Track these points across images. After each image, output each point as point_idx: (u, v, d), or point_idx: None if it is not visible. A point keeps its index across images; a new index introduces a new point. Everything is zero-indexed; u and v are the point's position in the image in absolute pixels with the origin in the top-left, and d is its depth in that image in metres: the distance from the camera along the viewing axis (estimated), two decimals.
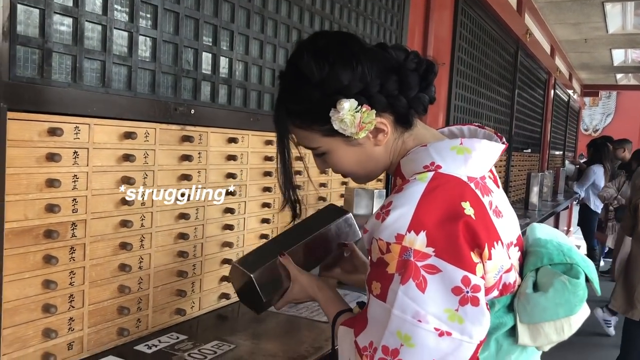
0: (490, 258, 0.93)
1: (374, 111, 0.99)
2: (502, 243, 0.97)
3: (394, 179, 1.08)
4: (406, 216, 0.91)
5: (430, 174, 0.96)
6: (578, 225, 7.70)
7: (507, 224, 1.03)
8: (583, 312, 1.03)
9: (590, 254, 6.99)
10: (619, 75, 10.26)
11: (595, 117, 15.70)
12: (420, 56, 1.03)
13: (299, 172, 2.05)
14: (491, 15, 4.24)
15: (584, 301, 1.02)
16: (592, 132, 15.38)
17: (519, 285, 1.03)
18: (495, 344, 1.00)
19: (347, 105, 0.96)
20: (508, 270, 0.99)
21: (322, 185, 2.24)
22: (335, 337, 1.09)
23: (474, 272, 0.90)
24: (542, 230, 1.14)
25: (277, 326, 1.63)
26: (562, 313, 0.99)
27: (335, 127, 0.98)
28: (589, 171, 7.08)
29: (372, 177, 1.11)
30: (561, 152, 9.02)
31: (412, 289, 0.88)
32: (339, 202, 2.37)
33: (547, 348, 1.05)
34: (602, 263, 7.36)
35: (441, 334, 0.88)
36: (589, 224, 7.09)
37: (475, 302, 0.89)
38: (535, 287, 1.02)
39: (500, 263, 0.96)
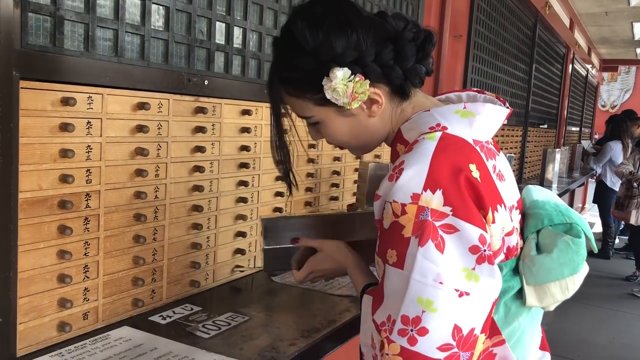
0: (494, 221, 0.93)
1: (367, 81, 0.97)
2: (505, 206, 0.97)
3: (393, 146, 1.06)
4: (421, 174, 0.88)
5: (439, 134, 0.95)
6: (593, 202, 7.62)
7: (509, 187, 1.04)
8: (585, 270, 1.04)
9: (606, 232, 6.94)
10: (639, 50, 10.03)
11: (613, 93, 15.44)
12: (420, 26, 1.01)
13: (313, 146, 2.03)
14: None
15: (585, 259, 1.03)
16: (610, 108, 15.15)
17: (521, 248, 1.04)
18: (505, 307, 1.01)
19: (340, 75, 0.94)
20: (510, 233, 0.99)
21: (336, 159, 2.22)
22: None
23: (486, 231, 0.90)
24: (538, 192, 1.14)
25: (290, 299, 1.63)
26: (567, 272, 1.00)
27: (328, 96, 0.97)
28: (605, 147, 6.98)
29: (367, 149, 1.10)
30: (578, 129, 8.90)
31: (431, 250, 0.86)
32: (354, 176, 2.35)
33: (552, 307, 1.06)
34: (617, 240, 7.30)
35: (461, 295, 0.86)
36: (605, 201, 7.01)
37: (490, 260, 0.89)
38: (538, 248, 1.04)
39: (501, 226, 0.96)
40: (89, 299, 1.27)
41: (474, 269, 0.87)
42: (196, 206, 1.53)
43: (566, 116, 7.48)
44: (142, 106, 1.32)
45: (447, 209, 0.87)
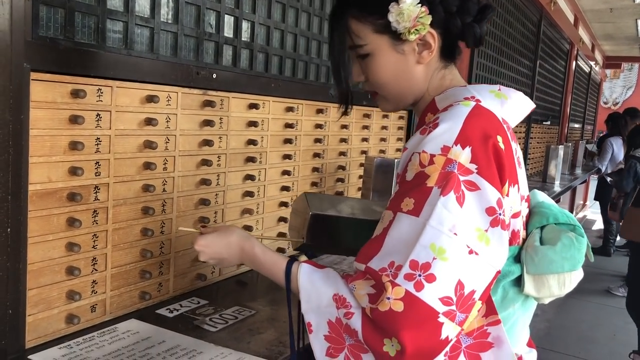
0: (507, 195, 0.94)
1: (430, 17, 0.99)
2: (518, 188, 0.99)
3: (422, 116, 1.07)
4: (454, 129, 0.91)
5: (473, 103, 0.97)
6: (595, 199, 7.62)
7: (523, 177, 1.06)
8: (581, 272, 1.06)
9: (607, 229, 6.93)
10: None
11: (616, 90, 15.40)
12: None
13: (319, 140, 2.03)
14: None
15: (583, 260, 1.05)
16: (612, 105, 15.11)
17: (524, 240, 1.06)
18: (502, 290, 1.02)
19: (409, 1, 0.97)
20: (516, 215, 1.01)
21: (342, 154, 2.22)
22: (293, 283, 1.00)
23: (503, 197, 0.91)
24: (543, 197, 1.17)
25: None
26: (567, 267, 1.02)
27: (391, 19, 0.98)
28: (606, 144, 6.98)
29: (400, 102, 1.09)
30: (580, 125, 8.88)
31: (451, 201, 0.87)
32: (359, 172, 2.35)
33: (547, 301, 1.08)
34: (618, 237, 7.31)
35: (470, 252, 0.87)
36: (607, 198, 6.99)
37: (503, 225, 0.91)
38: (542, 242, 1.05)
39: (511, 204, 0.97)
40: (97, 292, 1.27)
41: (486, 230, 0.89)
42: (203, 200, 1.53)
43: (569, 113, 7.47)
44: (151, 99, 1.32)
45: (473, 167, 0.89)
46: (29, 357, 1.10)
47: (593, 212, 9.42)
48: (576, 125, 8.45)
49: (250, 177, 1.70)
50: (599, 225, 7.65)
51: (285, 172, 1.88)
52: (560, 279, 1.03)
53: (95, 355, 1.14)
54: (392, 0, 0.97)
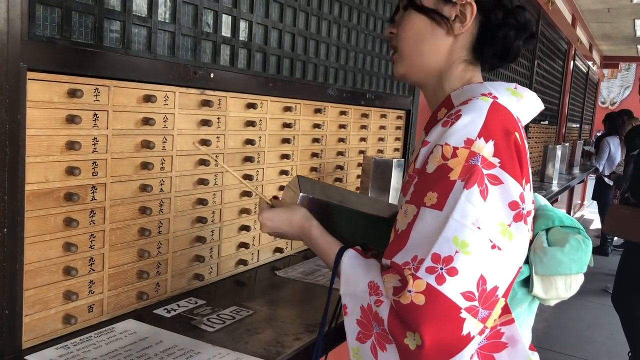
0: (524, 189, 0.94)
1: None
2: (530, 187, 0.99)
3: (437, 110, 1.07)
4: (476, 122, 0.91)
5: (491, 99, 0.97)
6: (593, 199, 7.63)
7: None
8: (583, 276, 1.06)
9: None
10: None
11: (613, 90, 15.42)
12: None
13: (317, 140, 2.03)
14: None
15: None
16: (610, 104, 15.13)
17: (531, 241, 1.05)
18: (512, 290, 1.01)
19: None
20: (528, 214, 1.00)
21: (340, 153, 2.21)
22: (337, 269, 1.03)
23: (525, 191, 0.91)
24: (544, 200, 1.18)
25: (293, 293, 1.63)
26: (575, 269, 1.02)
27: None
28: (603, 144, 6.99)
29: (413, 65, 1.08)
30: (578, 125, 8.89)
31: (475, 194, 0.87)
32: (357, 171, 2.35)
33: (553, 303, 1.08)
34: (615, 237, 7.32)
35: (493, 247, 0.87)
36: (604, 198, 7.02)
37: (525, 219, 0.90)
38: (548, 244, 1.06)
39: (527, 201, 0.97)
40: (94, 292, 1.27)
41: (509, 225, 0.88)
42: (201, 199, 1.53)
43: (567, 113, 7.48)
44: (148, 99, 1.31)
45: (496, 160, 0.89)
46: (26, 357, 1.10)
47: (591, 211, 9.44)
48: (574, 125, 8.46)
49: (248, 177, 1.70)
50: (596, 225, 7.66)
51: (283, 172, 1.88)
52: (567, 281, 1.03)
53: (92, 355, 1.13)
54: None
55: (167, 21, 1.37)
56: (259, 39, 1.69)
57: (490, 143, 0.89)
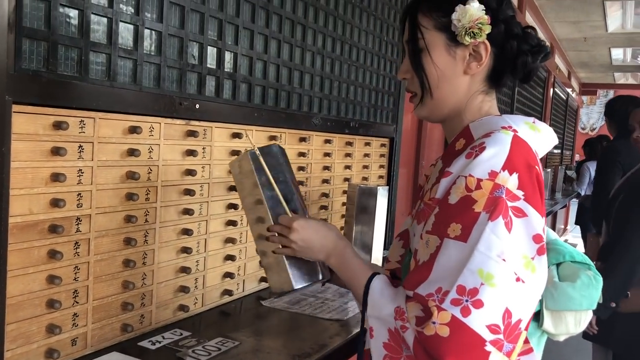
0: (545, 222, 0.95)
1: (489, 27, 1.01)
2: (545, 220, 1.00)
3: (454, 140, 1.07)
4: (501, 155, 0.92)
5: (512, 133, 0.98)
6: (576, 223, 7.70)
7: None
8: (592, 312, 1.06)
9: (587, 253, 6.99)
10: (617, 74, 10.27)
11: (593, 116, 15.73)
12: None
13: (302, 168, 2.04)
14: None
15: None
16: (590, 130, 15.41)
17: None
18: None
19: (476, 5, 1.00)
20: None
21: (325, 181, 2.23)
22: (365, 296, 1.01)
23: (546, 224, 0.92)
24: (554, 234, 1.19)
25: (279, 323, 1.62)
26: (585, 305, 1.02)
27: (454, 17, 1.00)
28: (583, 169, 7.09)
29: (436, 108, 1.08)
30: (560, 151, 9.03)
31: (500, 226, 0.87)
32: (342, 199, 2.36)
33: (562, 338, 1.07)
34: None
35: (517, 280, 0.86)
36: (587, 223, 7.08)
37: (547, 254, 0.91)
38: (559, 279, 1.06)
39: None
40: (77, 325, 1.25)
41: (533, 258, 0.88)
42: (186, 229, 1.53)
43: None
44: (133, 130, 1.32)
45: (520, 193, 0.90)
46: None
47: (574, 236, 9.52)
48: (555, 151, 8.59)
49: (233, 206, 1.70)
50: (580, 249, 7.70)
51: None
52: (577, 317, 1.04)
53: None
54: (460, 2, 1.01)
55: (152, 53, 1.38)
56: (244, 70, 1.71)
57: (515, 176, 0.90)
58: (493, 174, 0.90)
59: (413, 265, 0.97)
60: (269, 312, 1.68)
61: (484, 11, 1.00)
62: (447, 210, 0.92)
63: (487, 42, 1.02)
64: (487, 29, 1.01)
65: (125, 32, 1.31)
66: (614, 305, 2.34)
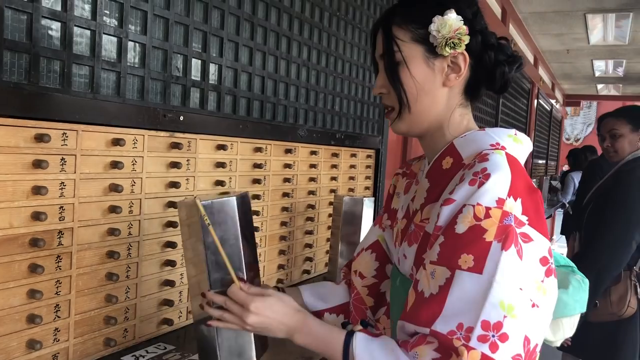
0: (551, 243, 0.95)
1: (468, 38, 1.00)
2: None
3: (438, 159, 1.06)
4: (505, 181, 0.90)
5: (503, 152, 0.97)
6: (561, 233, 7.76)
7: None
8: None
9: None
10: (599, 86, 10.42)
11: (577, 127, 15.92)
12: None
13: (288, 180, 2.04)
14: None
15: None
16: (574, 141, 15.59)
17: None
18: None
19: (454, 16, 0.99)
20: None
21: (311, 193, 2.23)
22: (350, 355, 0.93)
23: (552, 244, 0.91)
24: None
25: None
26: (579, 309, 1.03)
27: (433, 28, 0.99)
28: (567, 179, 7.16)
29: (414, 122, 1.06)
30: (544, 161, 9.11)
31: (513, 255, 0.85)
32: (328, 210, 2.36)
33: (559, 344, 1.07)
34: None
35: (533, 305, 0.86)
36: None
37: (555, 273, 0.90)
38: None
39: None
40: (59, 340, 1.24)
41: (542, 281, 0.88)
42: (170, 242, 1.51)
43: (533, 149, 7.66)
44: (117, 142, 1.31)
45: (524, 218, 0.89)
46: None
47: (560, 246, 9.58)
48: (540, 161, 8.67)
49: None
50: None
51: (255, 212, 1.88)
52: (572, 321, 1.05)
53: None
54: (437, 13, 1.00)
55: (136, 65, 1.38)
56: (228, 82, 1.71)
57: (519, 201, 0.89)
58: (501, 202, 0.88)
59: (413, 296, 0.92)
60: None
61: (462, 21, 1.00)
62: (455, 240, 0.89)
63: (465, 53, 1.02)
64: (467, 40, 1.00)
65: (108, 45, 1.30)
66: (583, 314, 2.35)
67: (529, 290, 0.86)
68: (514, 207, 0.88)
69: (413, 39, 1.02)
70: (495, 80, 1.04)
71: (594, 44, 6.56)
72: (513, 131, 1.05)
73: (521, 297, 0.85)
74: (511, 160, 0.95)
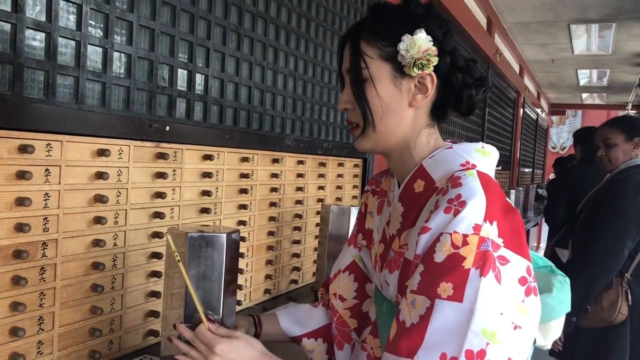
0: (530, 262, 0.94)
1: (437, 59, 0.98)
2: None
3: (410, 182, 1.04)
4: (481, 206, 0.89)
5: (475, 171, 0.96)
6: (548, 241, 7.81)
7: None
8: None
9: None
10: (584, 95, 10.55)
11: (562, 135, 16.08)
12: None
13: (275, 189, 2.04)
14: (462, 36, 4.33)
15: None
16: (560, 149, 15.74)
17: None
18: None
19: (424, 36, 0.97)
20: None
21: (298, 202, 2.23)
22: None
23: (531, 262, 0.90)
24: None
25: None
26: (564, 309, 1.04)
27: (402, 47, 0.97)
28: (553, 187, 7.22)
29: (379, 141, 1.04)
30: (531, 170, 9.19)
31: (492, 281, 0.85)
32: (316, 219, 2.36)
33: (549, 346, 1.08)
34: None
35: (515, 327, 0.85)
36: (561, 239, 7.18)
37: (535, 292, 0.89)
38: None
39: None
40: (43, 352, 1.22)
41: (523, 301, 0.87)
42: (156, 253, 1.51)
43: (519, 158, 7.73)
44: (102, 153, 1.31)
45: (500, 240, 0.88)
46: None
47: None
48: (526, 170, 8.74)
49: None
50: None
51: (241, 222, 1.88)
52: (559, 323, 1.05)
53: None
54: (406, 31, 0.98)
55: (122, 76, 1.38)
56: (215, 92, 1.71)
57: (495, 224, 0.88)
58: (477, 228, 0.87)
59: (395, 326, 0.91)
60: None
61: (431, 42, 0.98)
62: (433, 269, 0.88)
63: (433, 74, 1.00)
64: (435, 61, 0.98)
65: (94, 55, 1.30)
66: (574, 319, 2.37)
67: (510, 313, 0.85)
68: (491, 231, 0.88)
69: (381, 56, 1.00)
70: (462, 102, 1.03)
71: (578, 53, 6.65)
72: (480, 144, 1.03)
73: (502, 322, 0.84)
74: (484, 180, 0.94)
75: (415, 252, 0.93)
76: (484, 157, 1.01)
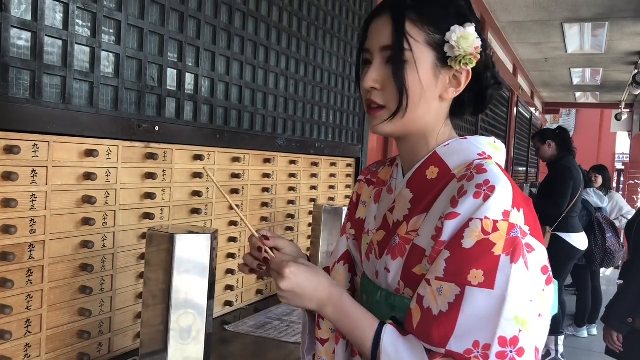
0: None
1: (479, 57, 0.97)
2: None
3: (422, 169, 1.02)
4: (509, 192, 0.89)
5: (493, 161, 0.96)
6: None
7: None
8: None
9: None
10: (578, 94, 10.58)
11: None
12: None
13: (267, 189, 2.03)
14: None
15: None
16: None
17: None
18: None
19: (472, 30, 0.95)
20: None
21: (291, 202, 2.22)
22: (376, 350, 0.92)
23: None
24: None
25: (244, 348, 1.59)
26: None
27: (452, 38, 0.94)
28: None
29: (404, 125, 0.99)
30: (524, 169, 9.21)
31: (522, 267, 0.85)
32: (308, 219, 2.35)
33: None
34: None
35: (539, 315, 0.87)
36: None
37: (553, 281, 0.90)
38: None
39: None
40: (30, 355, 1.21)
41: (543, 290, 0.88)
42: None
43: (513, 157, 7.75)
44: (90, 153, 1.30)
45: (527, 228, 0.88)
46: None
47: None
48: (520, 169, 8.76)
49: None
50: None
51: (232, 223, 1.87)
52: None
53: None
54: (455, 22, 0.95)
55: (110, 76, 1.36)
56: (205, 92, 1.70)
57: (522, 211, 0.89)
58: (506, 214, 0.87)
59: (418, 311, 0.90)
60: (233, 337, 1.65)
61: (478, 39, 0.96)
62: (462, 255, 0.87)
63: (470, 70, 0.98)
64: (478, 57, 0.97)
65: (81, 55, 1.29)
66: (630, 320, 2.46)
67: (536, 301, 0.87)
68: (519, 218, 0.88)
69: (427, 42, 0.95)
70: (485, 100, 1.03)
71: (572, 52, 6.66)
72: (492, 139, 1.04)
73: (532, 310, 0.85)
74: (503, 170, 0.95)
75: (438, 239, 0.91)
76: (496, 151, 1.01)
